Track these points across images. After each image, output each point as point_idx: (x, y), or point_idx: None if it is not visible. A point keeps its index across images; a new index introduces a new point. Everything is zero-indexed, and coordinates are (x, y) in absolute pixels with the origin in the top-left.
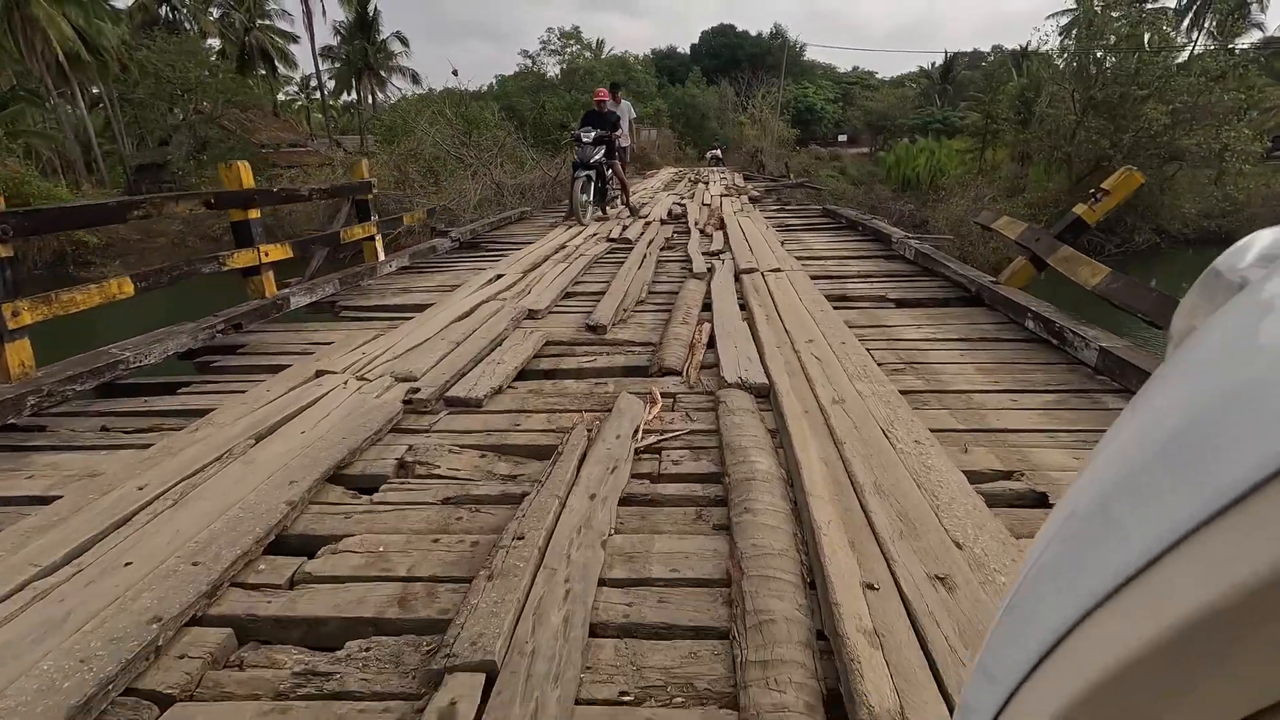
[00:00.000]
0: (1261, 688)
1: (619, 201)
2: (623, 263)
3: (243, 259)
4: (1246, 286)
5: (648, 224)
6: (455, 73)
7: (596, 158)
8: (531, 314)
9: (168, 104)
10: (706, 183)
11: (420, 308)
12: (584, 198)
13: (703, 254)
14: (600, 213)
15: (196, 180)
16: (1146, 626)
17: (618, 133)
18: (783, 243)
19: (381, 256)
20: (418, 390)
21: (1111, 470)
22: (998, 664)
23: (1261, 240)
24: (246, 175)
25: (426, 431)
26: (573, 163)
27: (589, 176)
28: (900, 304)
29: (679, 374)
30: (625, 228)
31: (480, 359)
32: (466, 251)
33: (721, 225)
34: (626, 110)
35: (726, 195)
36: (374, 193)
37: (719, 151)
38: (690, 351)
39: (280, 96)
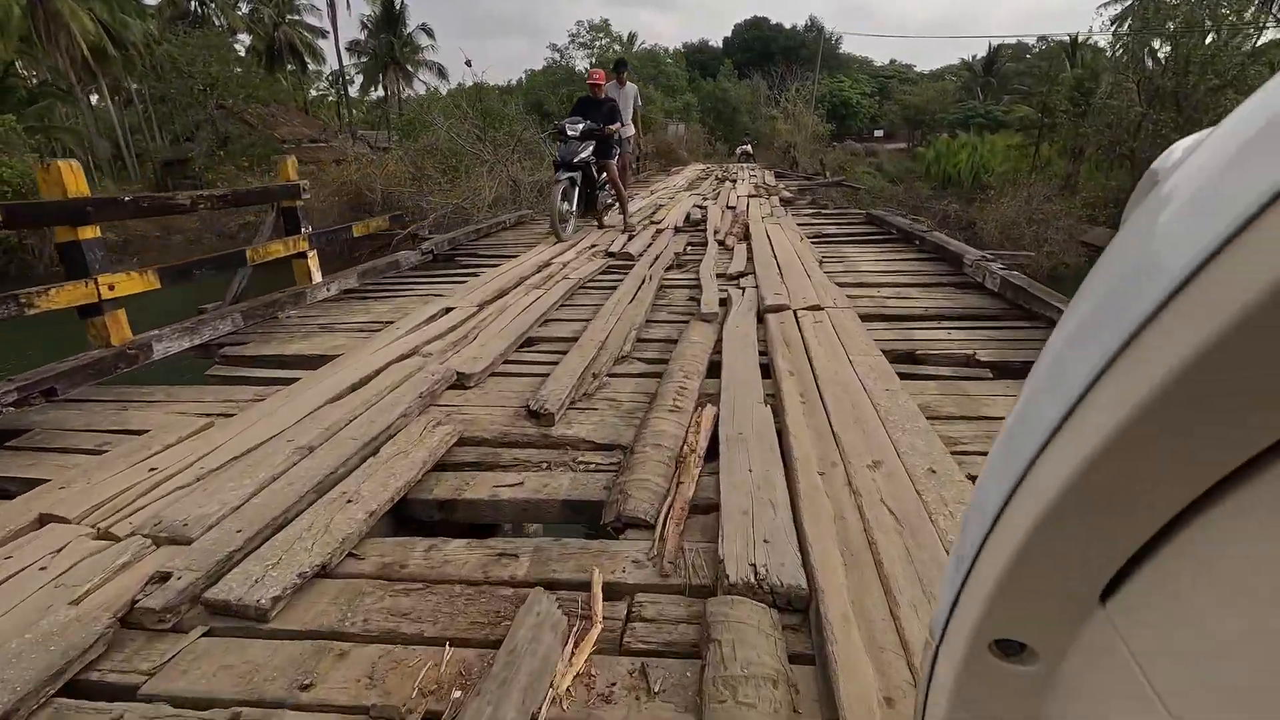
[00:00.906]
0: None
1: (617, 210)
2: (614, 290)
3: (68, 296)
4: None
5: (659, 231)
6: (469, 63)
7: (583, 155)
8: (460, 380)
9: (190, 99)
10: (734, 181)
11: (330, 357)
12: (564, 207)
13: (718, 278)
14: (596, 224)
15: (212, 177)
16: (1116, 412)
17: (615, 125)
18: (821, 261)
19: (316, 277)
20: (168, 577)
21: (1070, 323)
22: (1008, 459)
23: (1183, 145)
24: (76, 180)
25: (133, 692)
26: (553, 161)
27: (572, 180)
28: (999, 371)
29: (649, 527)
30: (631, 238)
31: (324, 490)
32: (439, 267)
33: (746, 235)
34: (631, 95)
35: (755, 196)
36: (304, 198)
37: (749, 147)
38: (675, 477)
39: (312, 92)
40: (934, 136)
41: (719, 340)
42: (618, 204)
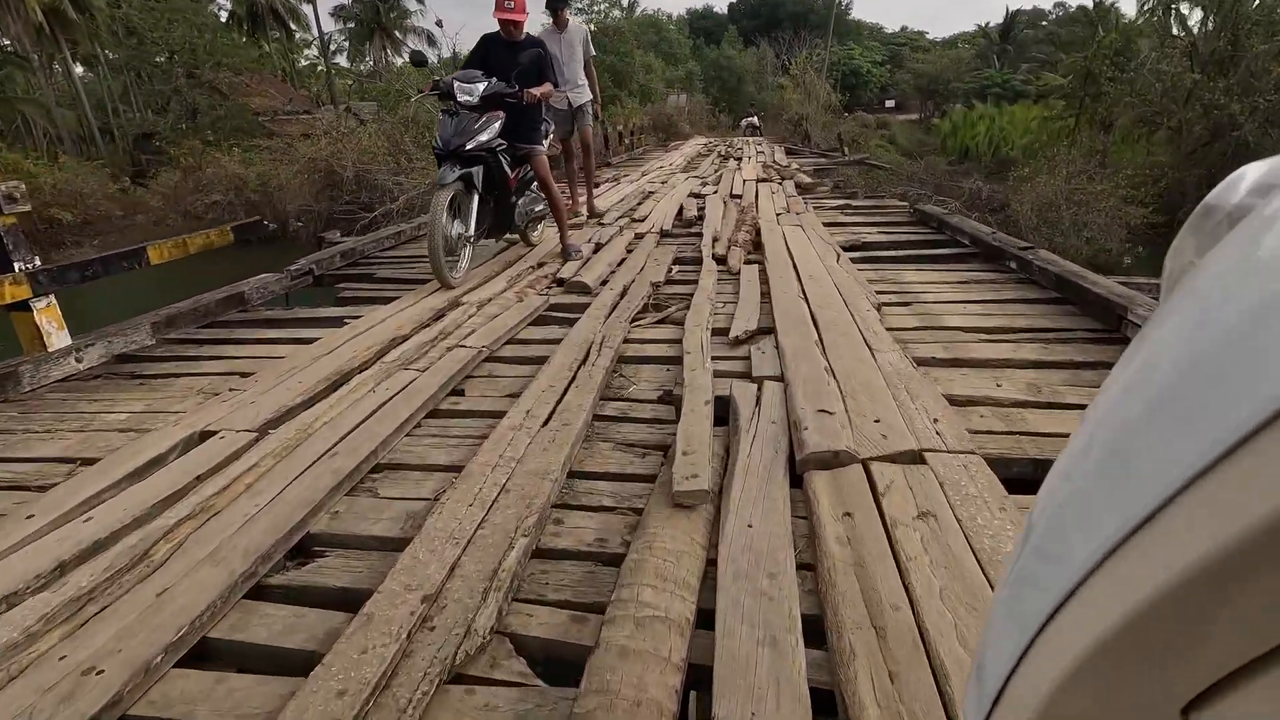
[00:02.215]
0: (1267, 633)
1: (571, 219)
2: (528, 383)
3: None
4: (1242, 219)
5: (639, 237)
6: (439, 23)
7: (484, 139)
8: None
9: (154, 68)
10: (739, 159)
11: None
12: (455, 229)
13: (716, 338)
14: (525, 243)
15: (177, 152)
16: (1157, 574)
17: (546, 88)
18: (879, 306)
19: (55, 342)
20: None
21: (1110, 425)
22: (1006, 630)
23: (1253, 172)
24: None
25: None
26: (434, 150)
27: (467, 183)
28: None
29: None
30: (598, 248)
31: None
32: (320, 297)
33: (757, 244)
34: (579, 40)
35: (764, 180)
36: (18, 209)
37: (756, 119)
38: None
39: (301, 61)
40: (949, 107)
41: (710, 559)
42: (554, 215)
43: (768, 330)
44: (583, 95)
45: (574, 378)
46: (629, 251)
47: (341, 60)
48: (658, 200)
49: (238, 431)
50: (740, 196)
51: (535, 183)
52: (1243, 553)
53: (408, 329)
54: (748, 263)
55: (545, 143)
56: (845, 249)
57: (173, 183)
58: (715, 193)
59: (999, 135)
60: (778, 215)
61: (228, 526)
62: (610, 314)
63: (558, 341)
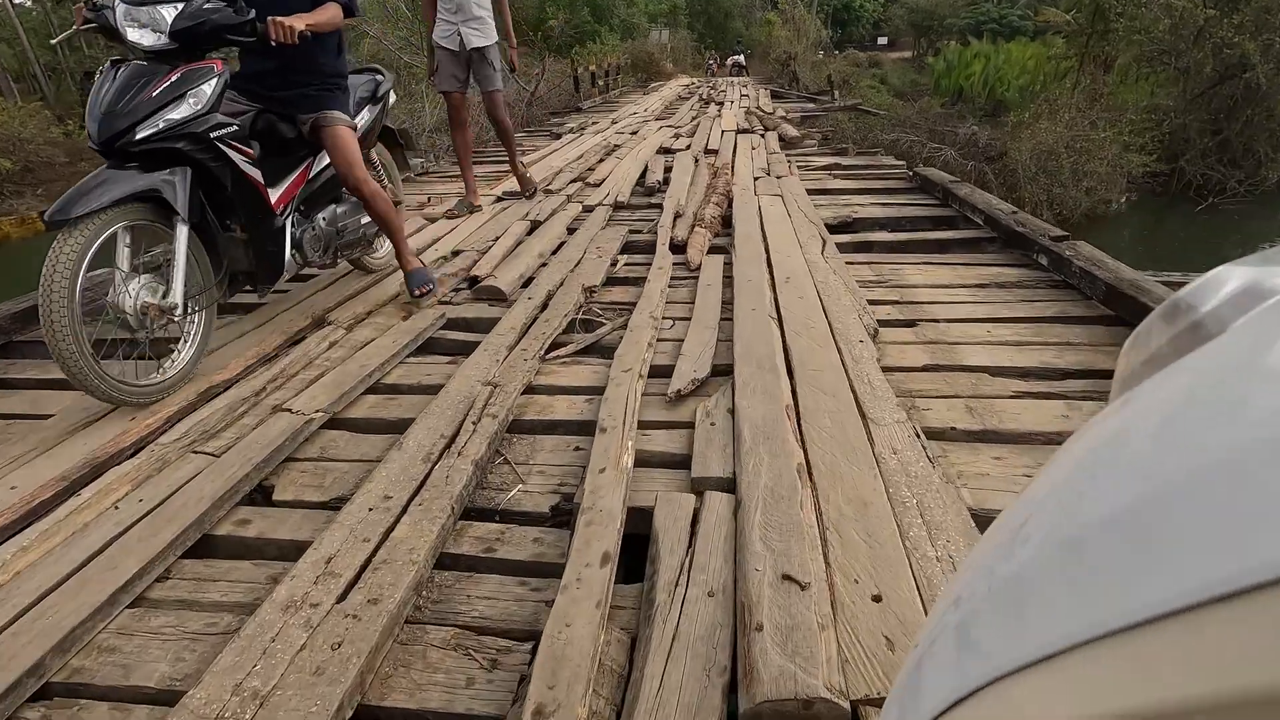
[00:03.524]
0: None
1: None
2: (359, 489)
3: None
4: (1212, 339)
5: (586, 210)
6: None
7: (173, 119)
8: None
9: None
10: (721, 104)
11: None
12: (141, 300)
13: (651, 388)
14: (364, 271)
15: None
16: None
17: (319, 15)
18: (876, 333)
19: None
20: None
21: (1041, 527)
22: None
23: (1232, 278)
24: None
25: None
26: (89, 138)
27: (158, 207)
28: None
29: None
30: (534, 228)
31: None
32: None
33: (727, 220)
34: None
35: (746, 131)
36: None
37: (741, 58)
38: None
39: None
40: (943, 44)
41: None
42: (386, 232)
43: (726, 369)
44: (482, 33)
45: (428, 475)
46: (570, 232)
47: None
48: (620, 158)
49: None
50: (716, 152)
51: (345, 186)
52: None
53: (229, 371)
54: (713, 250)
55: (361, 114)
56: (833, 227)
57: None
58: (688, 147)
59: (994, 75)
60: (755, 179)
61: None
62: (519, 340)
63: (435, 391)
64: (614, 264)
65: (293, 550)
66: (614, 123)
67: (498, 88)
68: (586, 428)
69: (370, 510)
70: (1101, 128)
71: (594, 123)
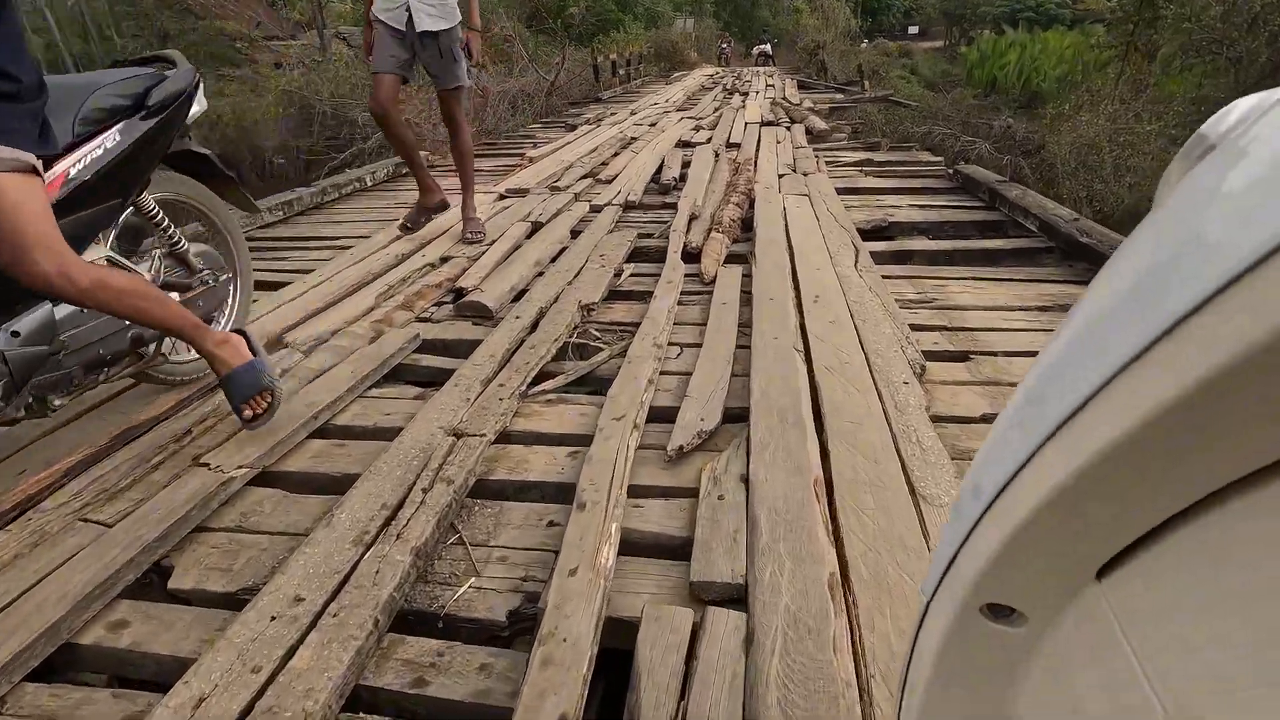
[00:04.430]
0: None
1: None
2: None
3: None
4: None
5: (595, 211)
6: None
7: None
8: None
9: None
10: (745, 94)
11: None
12: None
13: (649, 436)
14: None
15: None
16: (1134, 409)
17: None
18: (923, 370)
19: None
20: None
21: (1098, 301)
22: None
23: (1243, 105)
24: None
25: None
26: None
27: None
28: None
29: None
30: (534, 229)
31: None
32: None
33: (748, 223)
34: None
35: (771, 124)
36: None
37: (768, 47)
38: None
39: None
40: (976, 34)
41: None
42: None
43: (741, 413)
44: (440, 13)
45: (355, 566)
46: (574, 236)
47: None
48: (636, 152)
49: None
50: (738, 146)
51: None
52: (1155, 429)
53: (156, 409)
54: (731, 258)
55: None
56: (866, 233)
57: None
58: (709, 141)
59: (1030, 65)
60: (780, 176)
61: None
62: (499, 370)
63: (393, 436)
64: (618, 274)
65: (173, 666)
66: (633, 114)
67: (460, 83)
68: (566, 492)
69: (273, 619)
70: (1146, 120)
71: (612, 114)
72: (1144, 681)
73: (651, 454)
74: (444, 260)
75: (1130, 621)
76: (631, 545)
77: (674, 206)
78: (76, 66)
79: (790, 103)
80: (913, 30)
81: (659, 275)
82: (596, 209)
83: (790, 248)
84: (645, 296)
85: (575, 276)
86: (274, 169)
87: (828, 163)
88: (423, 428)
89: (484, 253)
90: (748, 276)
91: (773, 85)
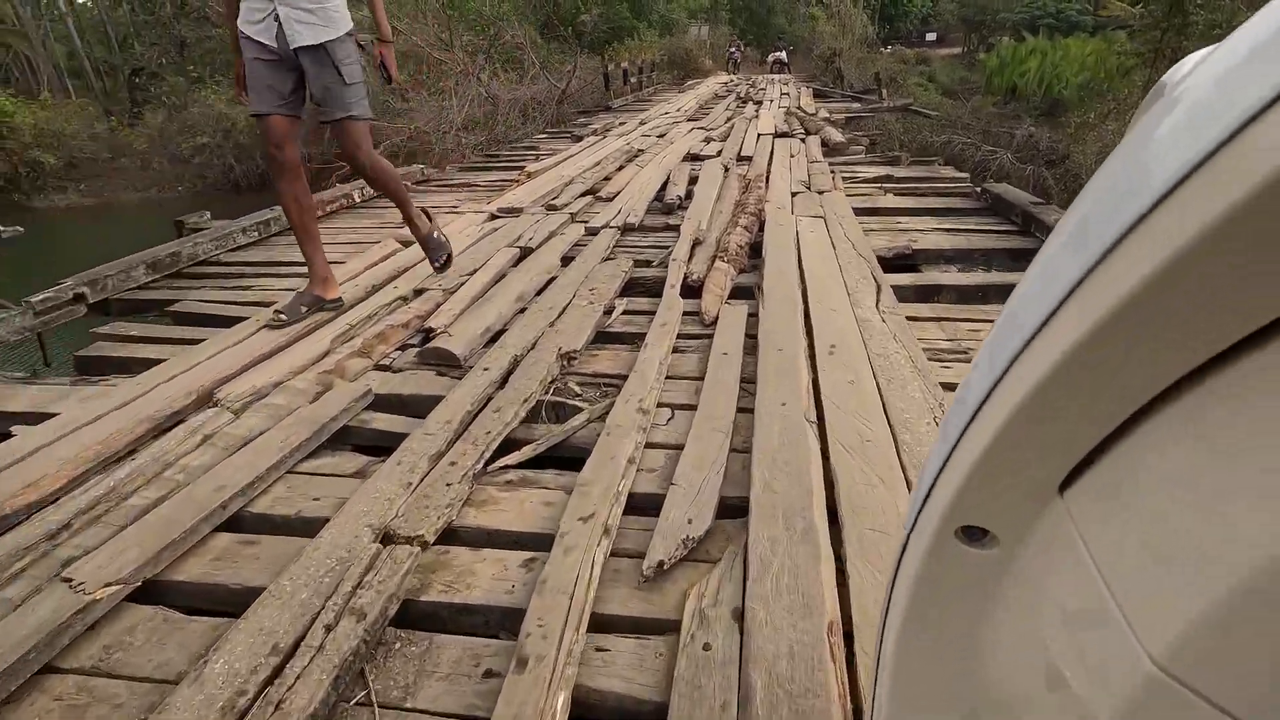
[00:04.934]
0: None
1: None
2: None
3: None
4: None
5: (590, 234)
6: None
7: None
8: None
9: None
10: (759, 104)
11: None
12: None
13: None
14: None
15: (157, 89)
16: (1039, 367)
17: None
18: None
19: None
20: None
21: (1064, 229)
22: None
23: (1196, 56)
24: None
25: None
26: None
27: None
28: None
29: None
30: (522, 256)
31: None
32: None
33: (756, 248)
34: None
35: (786, 135)
36: None
37: (783, 54)
38: None
39: None
40: (995, 40)
41: None
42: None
43: (739, 506)
44: (320, 21)
45: None
46: (565, 264)
47: None
48: (641, 166)
49: None
50: (750, 160)
51: None
52: (1088, 345)
53: (38, 490)
54: (736, 293)
55: None
56: (888, 262)
57: (157, 123)
58: (719, 154)
59: (1051, 72)
60: (794, 194)
61: None
62: (454, 441)
63: (314, 531)
64: (609, 312)
65: None
66: (642, 124)
67: (354, 113)
68: (513, 621)
69: None
70: None
71: (620, 123)
72: (1103, 589)
73: (626, 564)
74: (417, 293)
75: (1090, 533)
76: (589, 710)
77: (677, 229)
78: (97, 73)
79: (805, 112)
80: (930, 37)
81: (654, 313)
82: (593, 231)
83: (803, 280)
84: (637, 340)
85: (560, 315)
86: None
87: (845, 178)
88: (347, 526)
89: (463, 284)
90: (754, 316)
91: (788, 94)
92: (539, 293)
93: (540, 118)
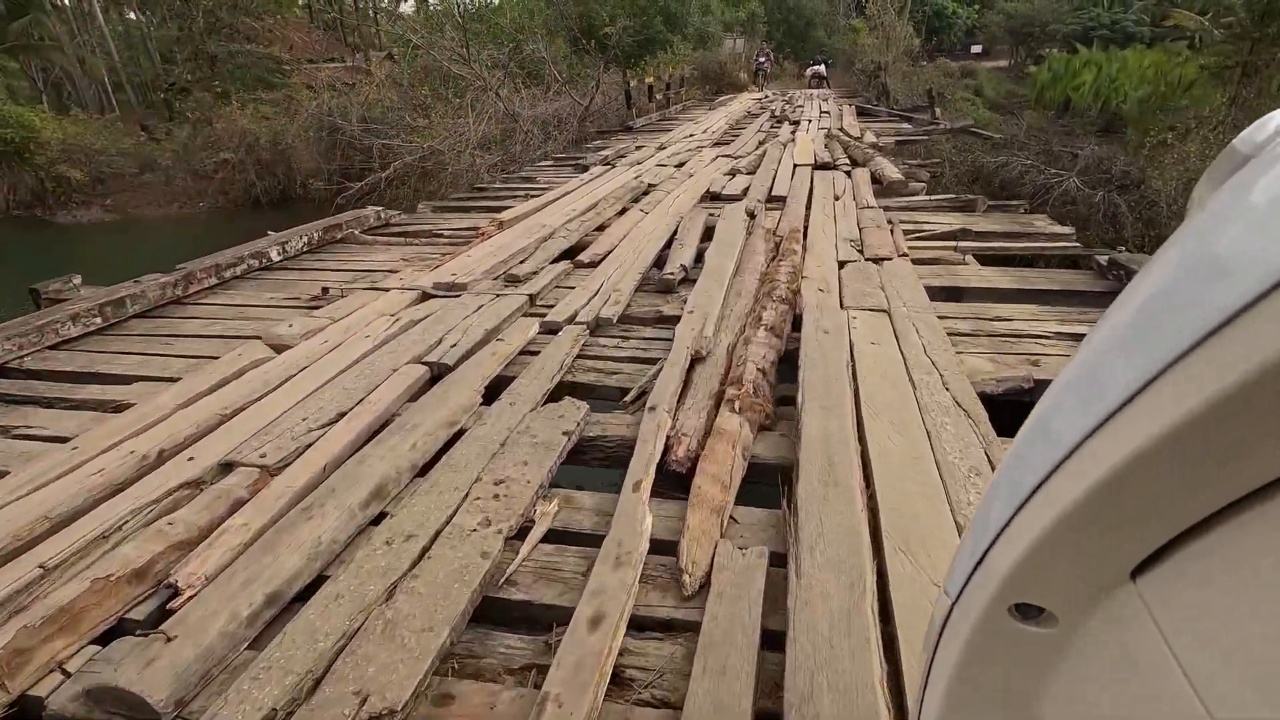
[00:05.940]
0: (1195, 507)
1: None
2: None
3: None
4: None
5: (550, 332)
6: None
7: None
8: None
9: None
10: (796, 124)
11: None
12: None
13: None
14: None
15: (183, 105)
16: (1116, 453)
17: None
18: None
19: None
20: None
21: (1128, 309)
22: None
23: (1278, 118)
24: None
25: None
26: None
27: None
28: None
29: None
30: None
31: None
32: None
33: (786, 359)
34: None
35: (826, 168)
36: None
37: (822, 68)
38: None
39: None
40: (1045, 52)
41: None
42: None
43: None
44: None
45: None
46: (488, 400)
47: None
48: (646, 211)
49: None
50: (783, 201)
51: None
52: (1179, 438)
53: None
54: (753, 479)
55: None
56: (994, 403)
57: (182, 138)
58: (744, 192)
59: (1109, 86)
60: (841, 265)
61: None
62: None
63: None
64: (518, 537)
65: None
66: (660, 149)
67: None
68: None
69: None
70: None
71: (638, 148)
72: (1185, 682)
73: None
74: (224, 471)
75: (1171, 622)
76: None
77: (672, 323)
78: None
79: (849, 135)
80: (975, 49)
81: (596, 543)
82: (551, 330)
83: (865, 459)
84: (542, 626)
85: (411, 568)
86: (309, 192)
87: (907, 232)
88: None
89: (290, 459)
90: (780, 558)
91: (827, 112)
92: (420, 473)
93: (561, 136)
